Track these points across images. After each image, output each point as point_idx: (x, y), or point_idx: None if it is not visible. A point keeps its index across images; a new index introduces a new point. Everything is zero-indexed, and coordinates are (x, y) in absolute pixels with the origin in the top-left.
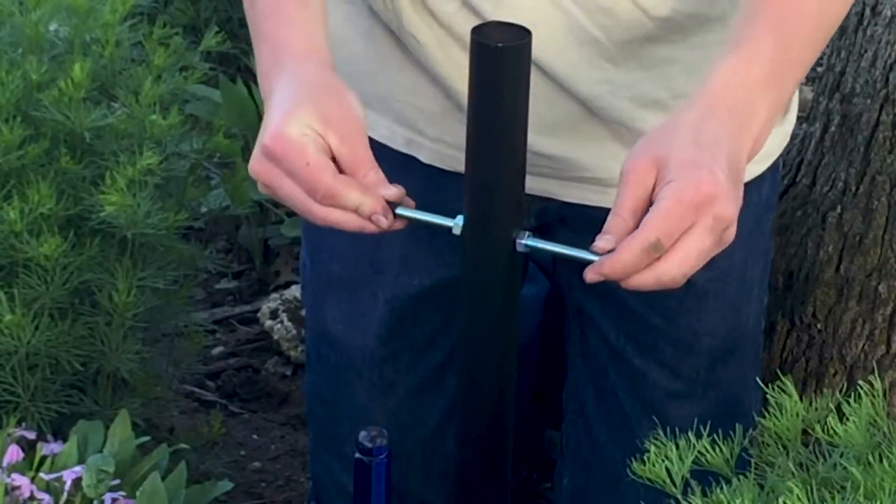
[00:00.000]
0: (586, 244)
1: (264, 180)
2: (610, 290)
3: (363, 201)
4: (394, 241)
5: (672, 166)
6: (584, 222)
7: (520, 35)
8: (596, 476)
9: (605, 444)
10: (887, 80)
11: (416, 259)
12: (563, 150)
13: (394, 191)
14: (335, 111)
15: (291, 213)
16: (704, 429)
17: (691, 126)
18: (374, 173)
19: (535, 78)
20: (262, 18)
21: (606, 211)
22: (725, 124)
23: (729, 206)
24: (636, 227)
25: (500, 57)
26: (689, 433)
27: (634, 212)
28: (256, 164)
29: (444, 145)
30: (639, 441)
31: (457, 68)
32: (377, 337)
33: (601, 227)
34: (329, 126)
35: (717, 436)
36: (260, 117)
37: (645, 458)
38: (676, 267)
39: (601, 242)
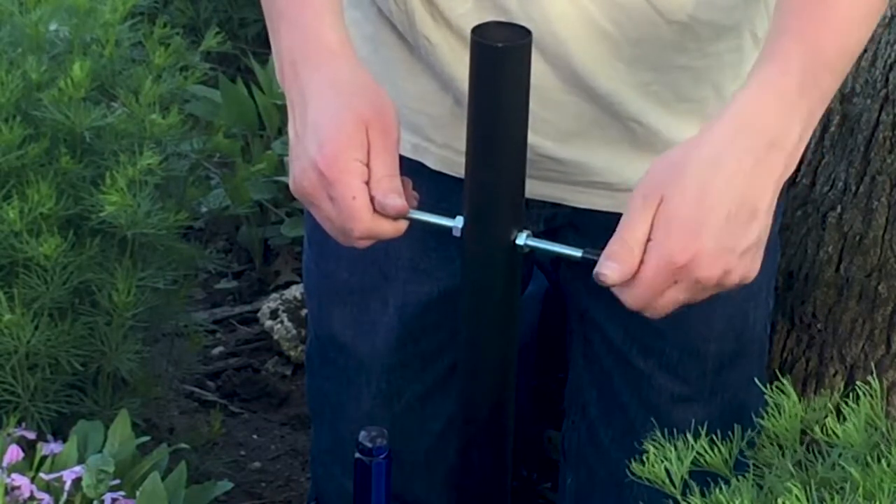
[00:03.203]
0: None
1: (309, 196)
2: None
3: (391, 233)
4: (402, 249)
5: (663, 219)
6: (593, 227)
7: (520, 35)
8: (599, 478)
9: (609, 447)
10: (887, 80)
11: (425, 267)
12: (575, 155)
13: (400, 204)
14: (375, 121)
15: (291, 213)
16: (708, 432)
17: (708, 158)
18: (389, 181)
19: (551, 78)
20: (284, 2)
21: (616, 216)
22: (752, 149)
23: (708, 270)
24: (641, 253)
25: (500, 57)
26: (688, 434)
27: (640, 243)
28: (305, 180)
29: (451, 151)
30: (642, 444)
31: (466, 70)
32: (386, 345)
33: (611, 232)
34: (371, 147)
35: (719, 439)
36: (260, 117)
37: (644, 458)
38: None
39: (607, 271)
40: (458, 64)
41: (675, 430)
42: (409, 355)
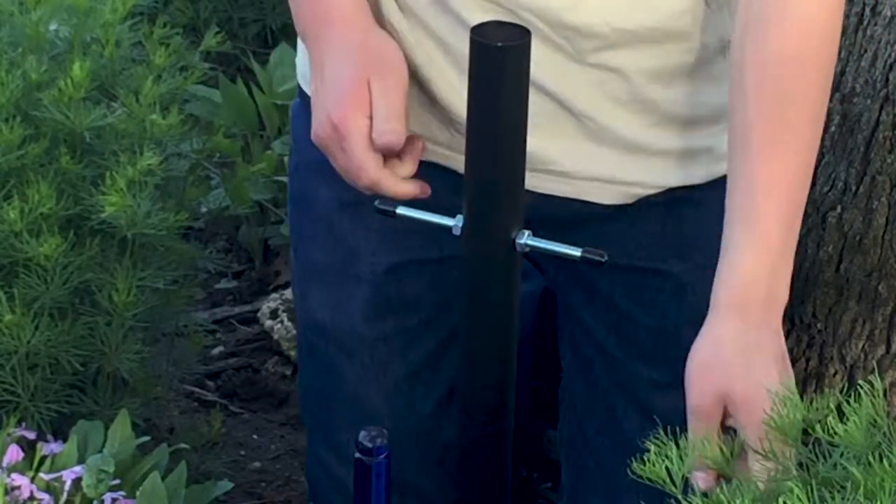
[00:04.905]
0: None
1: (324, 145)
2: (593, 283)
3: (397, 190)
4: (369, 223)
5: (738, 403)
6: (559, 216)
7: (520, 35)
8: (588, 469)
9: (594, 437)
10: (887, 80)
11: (393, 237)
12: (530, 145)
13: (393, 139)
14: (375, 71)
15: None
16: None
17: (736, 346)
18: (384, 122)
19: None
20: None
21: (579, 203)
22: (760, 324)
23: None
24: None
25: (500, 57)
26: (678, 427)
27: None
28: (321, 130)
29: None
30: (625, 431)
31: (427, 59)
32: (363, 317)
33: (568, 223)
34: (372, 97)
35: None
36: (260, 117)
37: (645, 457)
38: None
39: (701, 483)
40: (420, 51)
41: (657, 419)
42: (390, 329)
